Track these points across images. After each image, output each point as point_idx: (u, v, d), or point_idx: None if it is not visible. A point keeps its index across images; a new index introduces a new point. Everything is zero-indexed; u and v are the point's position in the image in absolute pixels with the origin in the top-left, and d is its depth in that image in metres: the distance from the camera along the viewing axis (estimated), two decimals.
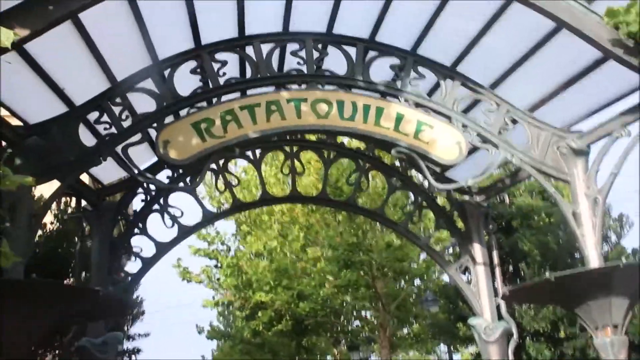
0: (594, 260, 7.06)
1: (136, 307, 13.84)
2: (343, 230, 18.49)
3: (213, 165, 9.35)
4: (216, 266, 22.43)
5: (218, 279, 22.49)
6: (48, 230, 9.87)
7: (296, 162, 9.87)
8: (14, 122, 7.11)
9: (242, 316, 23.58)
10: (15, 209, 6.35)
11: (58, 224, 10.02)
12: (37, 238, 9.67)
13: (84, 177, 9.12)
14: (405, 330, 23.67)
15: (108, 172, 9.05)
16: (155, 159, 8.94)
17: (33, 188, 7.75)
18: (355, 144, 11.99)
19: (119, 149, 7.36)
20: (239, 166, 20.47)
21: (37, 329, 5.66)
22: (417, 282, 21.55)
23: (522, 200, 13.52)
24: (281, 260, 20.29)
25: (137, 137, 7.40)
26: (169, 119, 7.60)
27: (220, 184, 9.63)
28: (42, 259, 9.08)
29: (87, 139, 7.30)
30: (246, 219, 21.79)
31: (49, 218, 10.18)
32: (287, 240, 20.39)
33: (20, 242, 6.26)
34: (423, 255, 19.82)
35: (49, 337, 8.90)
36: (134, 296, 14.10)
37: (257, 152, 9.66)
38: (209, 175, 13.26)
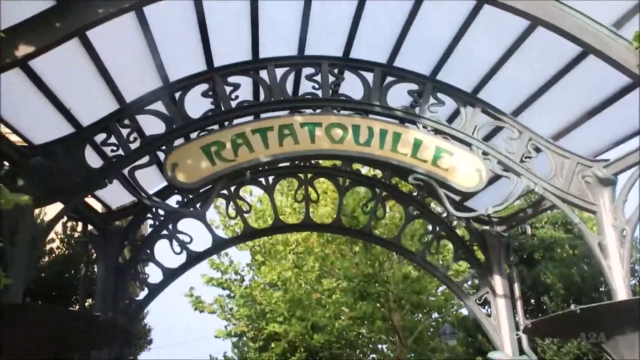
0: (621, 293, 6.72)
1: (141, 336, 13.53)
2: (359, 261, 18.12)
3: (224, 191, 9.20)
4: (229, 296, 22.14)
5: (231, 309, 22.17)
6: (54, 255, 9.69)
7: (311, 190, 9.64)
8: (17, 140, 6.96)
9: (255, 347, 23.20)
10: (16, 231, 6.16)
11: (64, 248, 9.84)
12: (43, 262, 9.51)
13: (92, 202, 8.95)
14: None
15: (116, 196, 8.90)
16: (165, 183, 8.75)
17: (38, 210, 7.65)
18: (371, 171, 11.72)
19: (126, 171, 7.16)
20: (254, 195, 20.34)
21: (36, 354, 5.47)
22: (434, 315, 21.08)
23: (544, 231, 13.18)
24: (296, 290, 19.94)
25: (145, 159, 7.20)
26: (178, 141, 7.41)
27: (233, 211, 9.41)
28: (49, 283, 8.89)
29: (94, 160, 7.13)
30: (261, 249, 21.53)
31: (56, 242, 10.05)
32: (302, 271, 20.06)
33: (19, 265, 6.07)
34: (441, 288, 19.42)
35: None
36: (143, 324, 13.84)
37: (270, 178, 9.44)
38: (222, 203, 13.00)
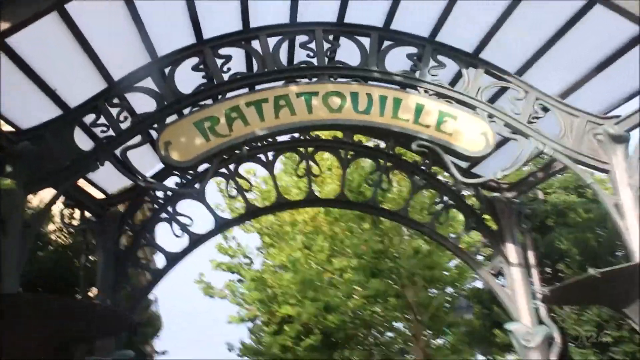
0: None
1: (149, 323, 13.39)
2: (368, 238, 17.93)
3: (224, 170, 9.03)
4: (240, 281, 22.04)
5: (242, 294, 22.08)
6: (53, 244, 9.56)
7: (313, 165, 9.44)
8: (5, 127, 6.79)
9: (270, 331, 23.12)
10: (6, 220, 6.00)
11: (63, 236, 9.70)
12: (43, 252, 9.36)
13: (89, 189, 8.78)
14: (440, 341, 22.97)
15: (113, 181, 8.70)
16: (162, 165, 8.57)
17: (38, 200, 7.50)
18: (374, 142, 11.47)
19: (118, 152, 6.98)
20: (258, 176, 20.11)
21: (34, 345, 5.34)
22: (449, 290, 20.88)
23: (556, 197, 12.92)
24: (306, 271, 19.79)
25: (137, 139, 7.00)
26: (171, 119, 7.21)
27: (234, 191, 9.21)
28: (48, 274, 8.75)
29: (84, 143, 6.95)
30: (269, 231, 21.38)
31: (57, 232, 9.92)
32: (311, 251, 19.90)
33: (12, 254, 5.94)
34: (454, 262, 19.21)
35: (51, 356, 8.52)
36: (151, 311, 13.71)
37: (270, 154, 9.25)
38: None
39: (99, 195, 8.85)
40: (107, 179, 8.58)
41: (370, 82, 7.62)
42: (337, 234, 19.07)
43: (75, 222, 8.71)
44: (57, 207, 8.45)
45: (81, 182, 8.59)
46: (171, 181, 8.88)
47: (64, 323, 5.53)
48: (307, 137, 9.28)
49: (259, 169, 16.88)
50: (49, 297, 6.72)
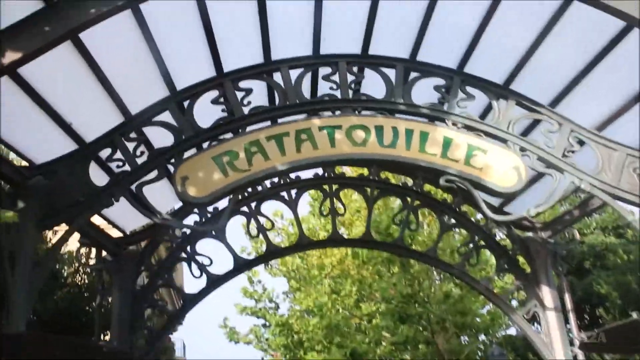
0: None
1: None
2: (397, 282, 17.50)
3: (245, 209, 8.81)
4: (264, 325, 21.64)
5: (267, 339, 21.66)
6: (69, 284, 9.38)
7: (337, 203, 9.19)
8: (15, 159, 6.67)
9: None
10: (15, 256, 5.82)
11: (79, 276, 9.52)
12: (61, 292, 9.17)
13: (107, 227, 8.62)
14: None
15: (131, 219, 8.54)
16: (181, 204, 8.37)
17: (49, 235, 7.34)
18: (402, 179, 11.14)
19: (134, 188, 6.78)
20: (285, 219, 19.90)
21: None
22: (481, 337, 20.23)
23: (594, 238, 12.42)
24: (333, 316, 19.35)
25: (153, 174, 6.82)
26: (188, 153, 7.02)
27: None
28: (65, 314, 8.55)
29: (100, 178, 6.78)
30: (295, 274, 21.05)
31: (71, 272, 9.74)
32: (339, 296, 19.49)
33: (20, 292, 5.73)
34: (486, 308, 18.63)
35: None
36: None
37: (293, 192, 9.01)
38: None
39: (116, 234, 8.65)
40: (125, 217, 8.41)
41: (396, 115, 7.38)
42: (365, 278, 18.66)
43: (91, 262, 8.51)
44: (75, 246, 8.29)
45: (99, 222, 8.44)
46: (191, 220, 8.70)
47: None
48: (331, 174, 9.05)
49: (286, 212, 16.74)
50: (52, 338, 6.46)
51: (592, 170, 7.03)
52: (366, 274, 18.78)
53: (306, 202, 19.55)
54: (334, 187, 9.19)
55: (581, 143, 7.25)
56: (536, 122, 7.73)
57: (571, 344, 8.34)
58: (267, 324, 21.33)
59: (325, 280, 19.87)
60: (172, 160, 6.86)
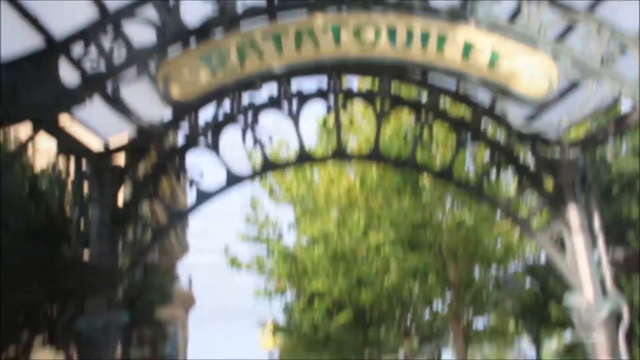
0: None
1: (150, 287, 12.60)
2: (407, 209, 17.04)
3: (241, 120, 8.20)
4: (267, 254, 21.44)
5: (270, 269, 21.50)
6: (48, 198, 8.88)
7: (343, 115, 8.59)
8: None
9: (299, 308, 22.63)
10: None
11: (55, 188, 9.02)
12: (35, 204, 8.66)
13: (89, 137, 8.03)
14: (481, 322, 22.20)
15: (114, 129, 7.95)
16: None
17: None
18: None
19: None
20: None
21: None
22: (493, 269, 19.95)
23: (625, 162, 11.79)
24: (339, 246, 19.07)
25: (132, 73, 6.20)
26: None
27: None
28: (40, 227, 8.09)
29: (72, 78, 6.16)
30: (301, 202, 20.63)
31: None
32: (346, 226, 19.13)
33: None
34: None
35: (35, 314, 7.97)
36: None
37: (294, 102, 8.34)
38: None
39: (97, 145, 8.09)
40: (107, 126, 7.81)
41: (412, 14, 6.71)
42: (374, 209, 18.19)
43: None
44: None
45: (79, 131, 7.87)
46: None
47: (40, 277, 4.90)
48: (337, 86, 8.36)
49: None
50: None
51: (634, 80, 6.39)
52: (375, 205, 18.30)
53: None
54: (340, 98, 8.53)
55: (622, 50, 6.56)
56: (571, 28, 7.00)
57: (598, 264, 7.88)
58: (271, 251, 21.14)
59: (332, 211, 19.48)
60: (154, 59, 6.23)
